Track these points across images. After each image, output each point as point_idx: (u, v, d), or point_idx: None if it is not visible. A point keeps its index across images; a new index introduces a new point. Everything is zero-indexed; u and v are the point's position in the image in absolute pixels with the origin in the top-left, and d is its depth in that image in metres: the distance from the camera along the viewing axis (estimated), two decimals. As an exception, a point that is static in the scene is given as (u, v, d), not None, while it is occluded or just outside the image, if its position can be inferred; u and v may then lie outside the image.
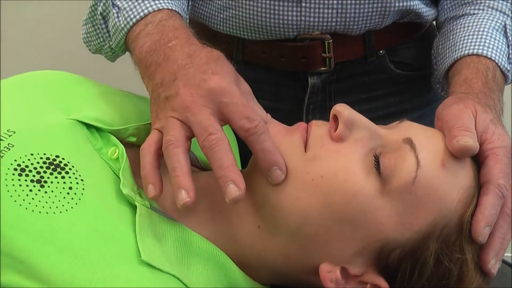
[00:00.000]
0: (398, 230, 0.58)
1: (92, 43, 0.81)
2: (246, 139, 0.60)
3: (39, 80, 0.73)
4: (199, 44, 0.66)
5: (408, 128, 0.62)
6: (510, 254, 1.14)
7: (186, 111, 0.60)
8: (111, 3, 0.73)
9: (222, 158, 0.58)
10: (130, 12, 0.71)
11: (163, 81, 0.63)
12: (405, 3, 0.85)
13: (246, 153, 0.67)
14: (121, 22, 0.71)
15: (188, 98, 0.60)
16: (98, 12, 0.77)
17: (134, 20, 0.70)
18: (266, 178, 0.60)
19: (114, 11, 0.73)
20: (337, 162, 0.59)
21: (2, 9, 1.78)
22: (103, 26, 0.77)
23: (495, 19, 0.84)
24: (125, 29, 0.71)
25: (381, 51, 0.91)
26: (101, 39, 0.78)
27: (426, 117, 0.92)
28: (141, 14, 0.70)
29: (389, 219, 0.58)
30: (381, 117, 0.91)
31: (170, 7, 0.71)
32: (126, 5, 0.71)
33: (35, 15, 1.80)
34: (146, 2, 0.71)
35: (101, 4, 0.76)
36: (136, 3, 0.71)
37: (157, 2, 0.71)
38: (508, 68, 0.80)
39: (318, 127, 0.63)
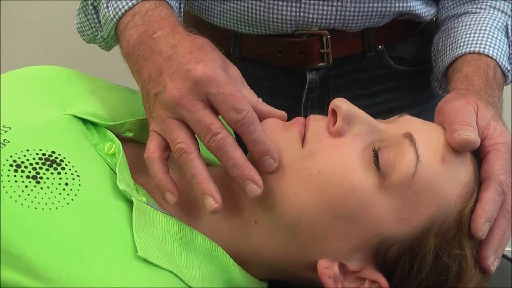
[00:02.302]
0: (396, 226, 0.58)
1: (86, 33, 0.79)
2: (235, 130, 0.60)
3: (35, 75, 0.72)
4: (184, 32, 0.64)
5: (407, 123, 0.62)
6: (510, 249, 1.13)
7: (178, 108, 0.59)
8: None
9: (233, 157, 0.58)
10: (118, 2, 0.69)
11: (150, 76, 0.62)
12: (404, 4, 0.85)
13: (244, 145, 0.66)
14: (110, 12, 0.70)
15: (176, 92, 0.59)
16: (89, 2, 0.76)
17: (122, 10, 0.69)
18: (259, 167, 0.60)
19: (103, 1, 0.71)
20: (334, 157, 0.59)
21: (2, 9, 1.78)
22: (95, 16, 0.76)
23: (497, 19, 0.84)
24: (115, 20, 0.69)
25: (379, 47, 0.90)
26: (94, 29, 0.78)
27: (425, 113, 0.92)
28: (129, 4, 0.68)
29: (387, 215, 0.58)
30: (380, 113, 0.90)
31: None
32: None
33: (35, 13, 1.80)
34: None
35: None
36: None
37: None
38: (509, 68, 0.80)
39: (316, 122, 0.62)
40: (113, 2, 0.69)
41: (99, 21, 0.75)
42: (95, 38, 0.78)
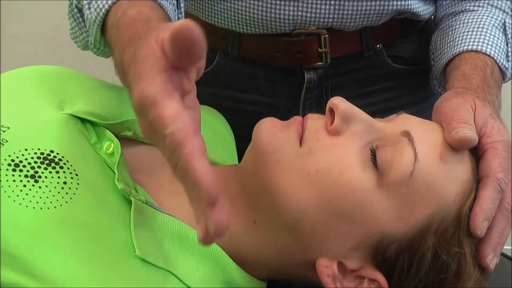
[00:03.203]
0: (395, 224, 0.58)
1: (78, 39, 0.75)
2: None
3: (33, 75, 0.72)
4: (135, 41, 0.54)
5: (405, 121, 0.62)
6: (510, 247, 1.13)
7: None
8: None
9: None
10: (99, 2, 0.63)
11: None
12: (402, 2, 0.85)
13: (242, 148, 0.66)
14: (92, 14, 0.65)
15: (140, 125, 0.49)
16: (73, 5, 0.71)
17: (103, 10, 0.63)
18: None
19: (85, 1, 0.66)
20: (332, 156, 0.59)
21: (2, 9, 1.78)
22: (81, 20, 0.71)
23: (495, 17, 0.84)
24: (97, 21, 0.64)
25: (378, 46, 0.90)
26: (84, 35, 0.72)
27: (424, 112, 0.92)
28: (110, 2, 0.63)
29: (386, 213, 0.58)
30: (378, 112, 0.90)
31: None
32: None
33: (35, 13, 1.80)
34: None
35: None
36: None
37: None
38: (507, 65, 0.80)
39: (314, 121, 0.62)
40: (94, 2, 0.64)
41: (85, 25, 0.70)
42: (88, 45, 0.72)
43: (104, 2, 0.63)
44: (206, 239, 0.45)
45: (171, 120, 0.45)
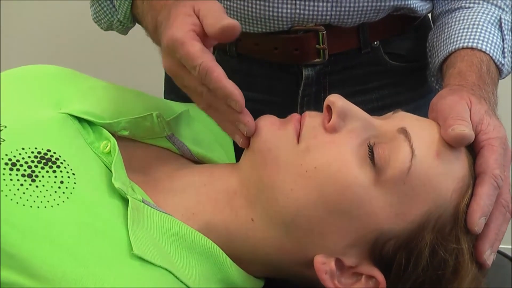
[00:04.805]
0: (392, 221, 0.58)
1: (102, 21, 0.87)
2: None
3: (30, 75, 0.72)
4: (168, 5, 0.67)
5: (402, 119, 0.62)
6: (509, 246, 1.13)
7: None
8: None
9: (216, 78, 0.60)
10: None
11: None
12: None
13: (240, 147, 0.66)
14: None
15: (164, 64, 0.64)
16: None
17: None
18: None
19: None
20: (330, 153, 0.59)
21: (2, 9, 1.79)
22: (108, 2, 0.83)
23: (490, 13, 0.84)
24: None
25: (375, 43, 0.90)
26: (109, 16, 0.86)
27: (421, 109, 0.91)
28: None
29: (383, 210, 0.58)
30: (376, 109, 0.90)
31: None
32: None
33: (35, 13, 1.80)
34: None
35: None
36: None
37: None
38: (503, 62, 0.80)
39: (312, 118, 0.62)
40: None
41: (114, 6, 0.84)
42: (112, 24, 0.86)
43: None
44: (245, 141, 0.63)
45: (199, 55, 0.59)
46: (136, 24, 0.86)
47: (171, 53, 0.61)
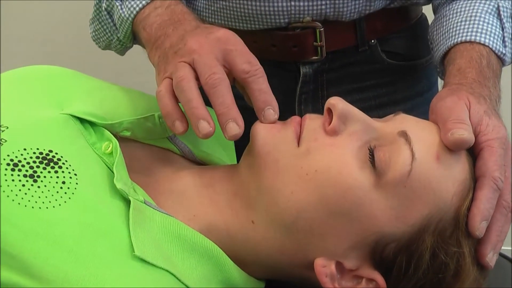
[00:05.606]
0: (393, 224, 0.58)
1: (101, 39, 0.86)
2: (245, 81, 0.63)
3: (32, 75, 0.72)
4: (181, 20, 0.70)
5: (403, 121, 0.62)
6: (510, 248, 1.13)
7: (193, 53, 0.63)
8: None
9: (224, 95, 0.61)
10: (132, 2, 0.76)
11: (171, 44, 0.67)
12: None
13: (241, 149, 0.66)
14: (125, 12, 0.76)
15: (196, 44, 0.64)
16: (103, 9, 0.81)
17: (137, 8, 0.75)
18: (260, 117, 0.63)
19: (117, 4, 0.78)
20: (330, 155, 0.59)
21: (2, 9, 1.78)
22: (109, 20, 0.82)
23: (488, 2, 0.82)
24: (130, 18, 0.76)
25: (372, 41, 0.90)
26: (109, 34, 0.84)
27: (418, 107, 0.92)
28: (143, 2, 0.75)
29: (383, 213, 0.58)
30: (373, 107, 0.91)
31: None
32: None
33: (35, 13, 1.80)
34: None
35: (104, 0, 0.81)
36: None
37: None
38: (504, 51, 0.79)
39: (312, 121, 0.63)
40: (127, 2, 0.76)
41: (114, 24, 0.82)
42: (111, 43, 0.85)
43: (138, 2, 0.76)
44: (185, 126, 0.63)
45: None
46: None
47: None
